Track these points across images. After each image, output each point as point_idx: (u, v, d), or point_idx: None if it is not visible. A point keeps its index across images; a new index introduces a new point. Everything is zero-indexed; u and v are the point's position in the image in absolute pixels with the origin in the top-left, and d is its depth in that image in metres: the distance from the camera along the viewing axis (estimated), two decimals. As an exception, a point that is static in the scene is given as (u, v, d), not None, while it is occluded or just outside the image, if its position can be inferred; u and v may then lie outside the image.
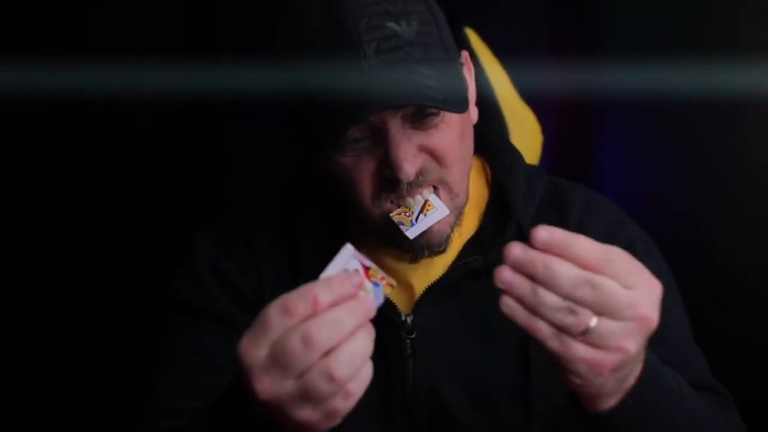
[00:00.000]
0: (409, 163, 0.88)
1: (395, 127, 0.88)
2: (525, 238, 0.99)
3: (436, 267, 0.99)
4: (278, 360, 0.62)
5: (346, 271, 0.66)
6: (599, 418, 0.73)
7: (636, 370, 0.72)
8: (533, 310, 0.64)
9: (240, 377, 0.65)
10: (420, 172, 0.90)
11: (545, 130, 1.83)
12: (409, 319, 0.97)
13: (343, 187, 0.93)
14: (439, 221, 0.92)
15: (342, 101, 0.85)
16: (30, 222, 1.92)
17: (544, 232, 0.65)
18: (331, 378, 0.61)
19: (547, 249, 0.65)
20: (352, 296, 0.64)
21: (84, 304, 1.93)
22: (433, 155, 0.91)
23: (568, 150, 1.92)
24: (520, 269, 0.65)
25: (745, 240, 1.74)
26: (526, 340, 0.97)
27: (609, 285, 0.64)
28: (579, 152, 1.95)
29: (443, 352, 0.96)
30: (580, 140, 1.95)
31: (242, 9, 1.96)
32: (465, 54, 0.97)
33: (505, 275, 0.64)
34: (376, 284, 0.68)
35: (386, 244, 0.97)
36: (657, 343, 0.93)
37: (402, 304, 0.98)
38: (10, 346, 1.90)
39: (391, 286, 0.69)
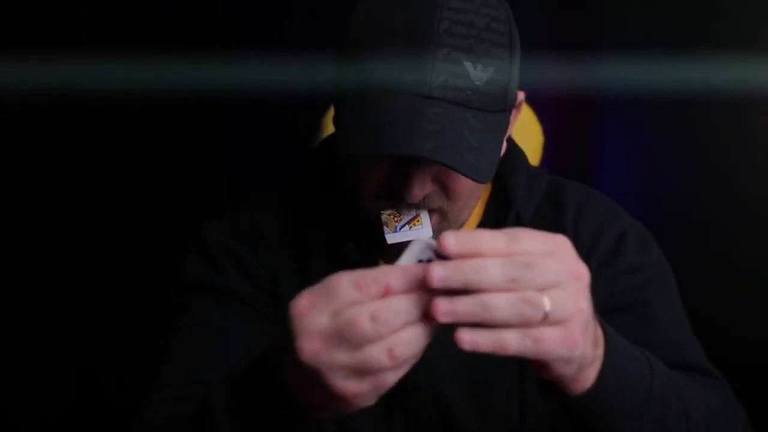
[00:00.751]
0: (419, 188, 0.90)
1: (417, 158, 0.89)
2: None
3: None
4: (341, 330, 0.62)
5: (420, 261, 0.65)
6: (581, 399, 0.73)
7: (599, 331, 0.72)
8: (491, 323, 0.62)
9: (283, 339, 0.65)
10: (424, 197, 0.91)
11: (546, 131, 1.84)
12: None
13: (352, 175, 0.94)
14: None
15: (387, 126, 0.85)
16: (29, 225, 1.92)
17: (451, 237, 0.62)
18: (392, 354, 0.61)
19: (460, 254, 0.62)
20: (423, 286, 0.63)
21: (84, 308, 1.93)
22: (444, 189, 0.92)
23: (568, 150, 1.93)
24: (452, 286, 0.62)
25: (745, 240, 1.74)
26: None
27: (536, 260, 0.62)
28: (579, 152, 1.96)
29: (442, 347, 0.96)
30: (580, 140, 1.95)
31: (244, 7, 1.96)
32: (521, 96, 0.97)
33: (444, 306, 0.61)
34: None
35: (368, 239, 0.98)
36: (644, 327, 0.94)
37: None
38: (10, 351, 1.90)
39: None
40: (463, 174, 0.86)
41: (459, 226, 0.98)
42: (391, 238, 0.92)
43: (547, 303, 0.62)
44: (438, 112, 0.85)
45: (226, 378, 0.79)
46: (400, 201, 0.91)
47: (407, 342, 0.62)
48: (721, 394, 0.95)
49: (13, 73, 1.63)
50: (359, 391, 0.63)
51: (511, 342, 0.62)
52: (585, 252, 0.99)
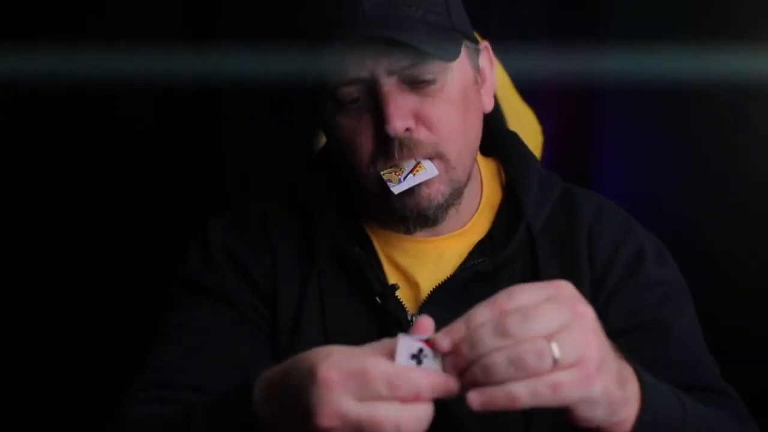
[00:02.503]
0: (400, 117, 0.89)
1: (388, 83, 0.90)
2: (534, 242, 0.99)
3: (445, 267, 0.99)
4: (364, 422, 0.62)
5: (412, 356, 0.66)
6: None
7: (626, 371, 0.71)
8: (497, 383, 0.62)
9: (298, 397, 0.65)
10: (413, 139, 0.91)
11: (545, 130, 1.83)
12: (414, 318, 0.97)
13: (344, 149, 0.95)
14: (427, 182, 0.92)
15: (335, 41, 0.88)
16: (26, 222, 1.92)
17: (443, 338, 0.64)
18: (398, 427, 0.62)
19: (459, 341, 0.64)
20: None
21: (84, 308, 1.93)
22: (429, 125, 0.92)
23: (568, 149, 1.92)
24: (460, 369, 0.64)
25: (748, 239, 1.74)
26: None
27: (533, 311, 0.63)
28: (578, 151, 1.95)
29: None
30: (580, 139, 1.95)
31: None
32: (485, 43, 0.99)
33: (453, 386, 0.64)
34: None
35: (382, 212, 0.98)
36: (666, 346, 0.93)
37: (409, 303, 0.98)
38: (10, 351, 1.89)
39: None
40: (422, 49, 0.87)
41: (464, 176, 0.97)
42: (397, 188, 0.92)
43: (555, 349, 0.62)
44: (380, 20, 0.88)
45: (208, 403, 0.79)
46: (391, 145, 0.91)
47: (414, 416, 0.63)
48: (736, 419, 0.93)
49: (12, 64, 1.63)
50: None
51: (520, 395, 0.62)
52: (602, 265, 0.99)
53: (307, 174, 1.06)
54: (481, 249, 1.00)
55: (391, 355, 0.65)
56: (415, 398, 0.63)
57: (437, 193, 0.94)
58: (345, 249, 0.99)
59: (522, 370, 0.62)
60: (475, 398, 0.63)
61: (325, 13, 0.90)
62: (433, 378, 0.64)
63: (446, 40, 0.91)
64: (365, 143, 0.92)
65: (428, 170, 0.92)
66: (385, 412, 0.62)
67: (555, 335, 0.63)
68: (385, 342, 0.66)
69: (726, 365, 1.01)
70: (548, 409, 0.92)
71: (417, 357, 0.66)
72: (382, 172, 0.92)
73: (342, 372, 0.63)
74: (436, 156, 0.93)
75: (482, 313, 0.65)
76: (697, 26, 1.77)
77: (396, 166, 0.92)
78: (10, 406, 1.92)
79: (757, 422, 0.95)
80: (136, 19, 1.94)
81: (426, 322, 0.67)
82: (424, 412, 0.64)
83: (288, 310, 0.99)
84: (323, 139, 1.03)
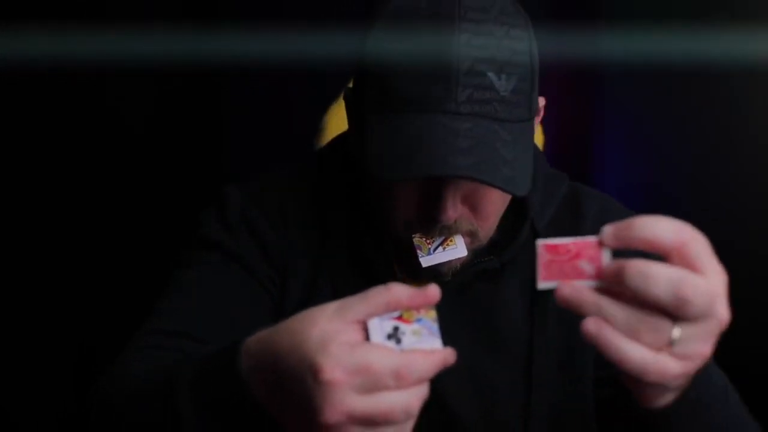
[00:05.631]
0: (452, 210, 0.89)
1: (451, 184, 0.89)
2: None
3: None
4: (374, 415, 0.61)
5: (388, 336, 0.65)
6: (660, 412, 0.71)
7: None
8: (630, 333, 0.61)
9: (301, 389, 0.63)
10: (455, 221, 0.91)
11: (544, 122, 1.82)
12: None
13: (381, 203, 0.95)
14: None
15: (420, 148, 0.85)
16: (22, 212, 1.91)
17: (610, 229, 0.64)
18: (407, 411, 0.62)
19: (621, 242, 0.63)
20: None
21: (79, 301, 1.92)
22: (474, 210, 0.92)
23: (568, 141, 1.92)
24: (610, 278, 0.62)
25: (752, 230, 1.73)
26: (530, 342, 0.97)
27: (692, 281, 0.60)
28: (579, 141, 1.95)
29: None
30: (580, 130, 1.94)
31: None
32: (542, 101, 0.97)
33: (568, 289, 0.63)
34: (419, 320, 0.67)
35: (397, 258, 0.98)
36: None
37: None
38: (8, 350, 1.89)
39: (433, 308, 0.68)
40: (503, 189, 0.86)
41: (486, 240, 0.98)
42: (426, 261, 0.93)
43: (676, 333, 0.61)
44: (469, 128, 0.85)
45: (192, 371, 0.75)
46: (433, 225, 0.91)
47: (419, 399, 0.63)
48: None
49: (10, 47, 1.61)
50: None
51: (633, 357, 0.61)
52: None
53: (321, 173, 1.06)
54: (486, 247, 0.99)
55: (381, 309, 0.64)
56: (419, 382, 0.63)
57: (458, 263, 0.95)
58: (357, 239, 0.99)
59: (632, 336, 0.61)
60: (591, 327, 0.62)
61: (418, 77, 0.86)
62: (435, 358, 0.64)
63: (523, 165, 0.88)
64: (408, 211, 0.92)
65: (459, 248, 0.93)
66: (391, 400, 0.62)
67: (685, 322, 0.61)
68: (375, 291, 0.65)
69: (727, 361, 1.01)
70: (549, 408, 0.93)
71: (394, 336, 0.65)
72: (413, 237, 0.93)
73: (346, 370, 0.61)
74: (469, 234, 0.94)
75: (665, 231, 0.63)
76: (700, 10, 1.75)
77: (429, 235, 0.93)
78: (9, 405, 1.92)
79: (759, 422, 0.95)
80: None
81: (433, 291, 0.66)
82: (426, 388, 0.64)
83: (296, 289, 0.99)
84: (326, 135, 1.03)
